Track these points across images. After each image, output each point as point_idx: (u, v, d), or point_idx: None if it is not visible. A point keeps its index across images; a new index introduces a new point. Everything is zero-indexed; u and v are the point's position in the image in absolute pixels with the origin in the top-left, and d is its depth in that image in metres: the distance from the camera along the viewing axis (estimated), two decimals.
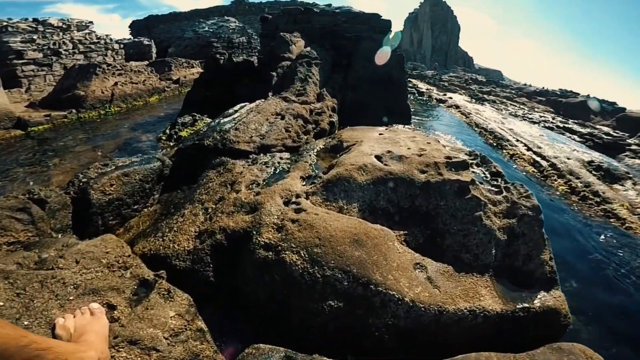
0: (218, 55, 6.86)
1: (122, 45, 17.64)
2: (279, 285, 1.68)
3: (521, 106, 17.05)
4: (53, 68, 12.52)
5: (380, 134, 3.06)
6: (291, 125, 3.29)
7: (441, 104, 12.28)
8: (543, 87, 27.99)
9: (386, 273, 1.65)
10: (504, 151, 6.92)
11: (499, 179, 2.57)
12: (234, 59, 8.06)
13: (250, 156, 2.71)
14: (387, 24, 7.45)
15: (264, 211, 1.95)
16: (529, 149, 6.63)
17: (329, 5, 8.33)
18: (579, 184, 5.45)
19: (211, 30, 19.38)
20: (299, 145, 3.03)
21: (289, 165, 2.59)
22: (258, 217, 1.92)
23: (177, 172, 2.89)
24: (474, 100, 16.50)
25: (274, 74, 5.28)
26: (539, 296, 1.80)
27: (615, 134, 10.09)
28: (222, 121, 3.19)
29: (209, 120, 5.63)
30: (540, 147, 6.57)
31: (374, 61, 6.75)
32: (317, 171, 2.46)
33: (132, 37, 22.38)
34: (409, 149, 2.42)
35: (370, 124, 7.34)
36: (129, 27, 30.45)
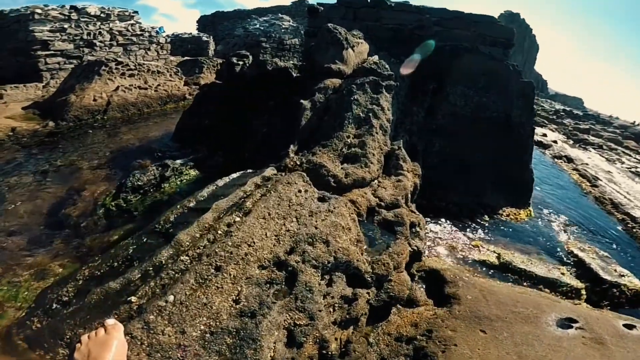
0: (235, 59, 4.54)
1: (168, 39, 16.47)
2: None
3: None
4: (84, 61, 11.29)
5: None
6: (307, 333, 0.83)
7: (541, 149, 8.94)
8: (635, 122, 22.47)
9: None
10: None
11: None
12: (267, 65, 5.71)
13: None
14: (508, 34, 4.62)
15: None
16: None
17: (406, 1, 5.66)
18: None
19: (262, 28, 17.60)
20: None
21: None
22: None
23: None
24: (572, 142, 12.93)
25: (307, 103, 2.79)
26: None
27: None
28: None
29: (193, 173, 3.31)
30: None
31: (482, 89, 4.00)
32: None
33: (196, 32, 21.71)
34: None
35: (473, 205, 4.13)
36: (197, 22, 30.26)
